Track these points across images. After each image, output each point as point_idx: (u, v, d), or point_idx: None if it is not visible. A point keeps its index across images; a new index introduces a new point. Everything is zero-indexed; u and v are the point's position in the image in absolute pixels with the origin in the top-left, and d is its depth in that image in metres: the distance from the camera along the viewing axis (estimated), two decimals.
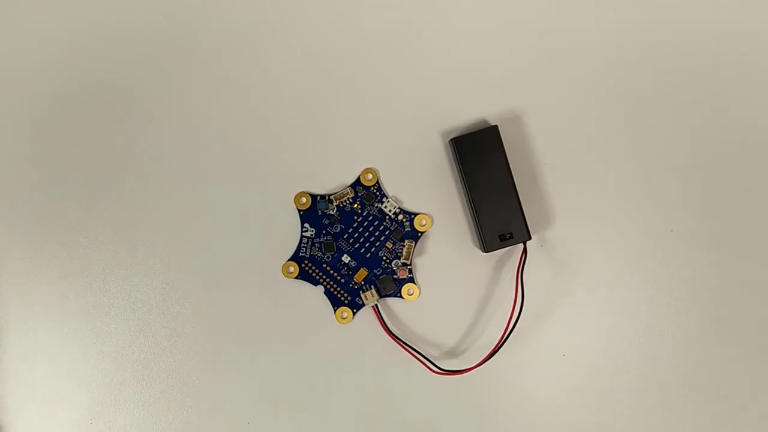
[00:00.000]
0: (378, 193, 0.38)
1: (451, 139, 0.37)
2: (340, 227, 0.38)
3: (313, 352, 0.39)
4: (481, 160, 0.37)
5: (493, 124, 0.38)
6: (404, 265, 0.38)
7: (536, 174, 0.39)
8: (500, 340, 0.37)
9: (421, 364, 0.37)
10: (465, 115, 0.39)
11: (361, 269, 0.38)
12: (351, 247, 0.38)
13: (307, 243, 0.38)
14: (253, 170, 0.39)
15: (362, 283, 0.38)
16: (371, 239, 0.38)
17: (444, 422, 0.39)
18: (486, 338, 0.39)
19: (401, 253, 0.38)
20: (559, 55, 0.40)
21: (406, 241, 0.38)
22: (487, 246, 0.37)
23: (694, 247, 0.39)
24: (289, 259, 0.38)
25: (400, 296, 0.38)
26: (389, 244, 0.38)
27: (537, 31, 0.40)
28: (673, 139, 0.40)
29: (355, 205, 0.38)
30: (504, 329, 0.37)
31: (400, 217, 0.38)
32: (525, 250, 0.37)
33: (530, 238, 0.37)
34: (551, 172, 0.39)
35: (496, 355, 0.37)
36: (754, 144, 0.39)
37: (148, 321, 0.39)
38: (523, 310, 0.37)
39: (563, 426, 0.40)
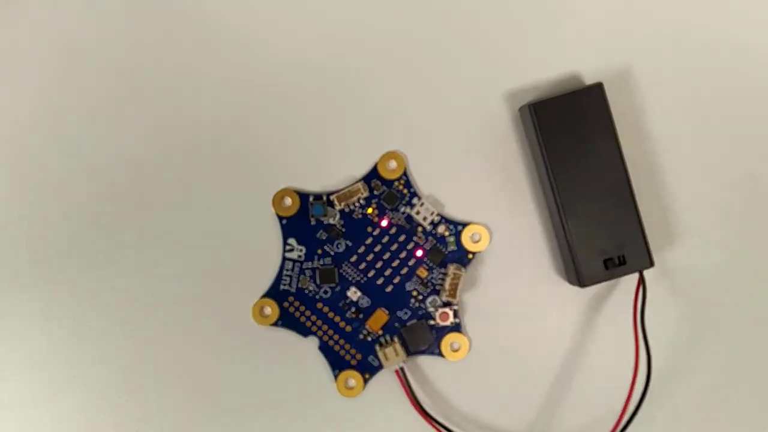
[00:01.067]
0: (406, 192, 0.29)
1: (528, 106, 0.27)
2: (346, 245, 0.29)
3: None
4: (576, 139, 0.27)
5: (592, 83, 0.28)
6: (447, 304, 0.29)
7: (654, 165, 0.29)
8: (617, 426, 0.27)
9: None
10: (543, 70, 0.29)
11: (379, 311, 0.29)
12: (362, 276, 0.30)
13: (292, 269, 0.30)
14: (210, 156, 0.30)
15: (380, 333, 0.30)
16: (394, 264, 0.29)
17: None
18: (576, 422, 0.29)
19: (442, 285, 0.29)
20: None
21: (450, 266, 0.29)
22: (584, 277, 0.27)
23: None
24: (264, 296, 0.30)
25: (440, 354, 0.30)
26: (423, 272, 0.29)
27: None
28: None
29: (370, 210, 0.29)
30: (620, 412, 0.27)
31: (441, 229, 0.29)
32: (643, 283, 0.27)
33: (652, 265, 0.27)
34: (678, 162, 0.29)
35: None
36: None
37: (51, 389, 0.30)
38: (651, 379, 0.27)
39: None
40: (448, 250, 0.29)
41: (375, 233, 0.29)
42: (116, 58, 0.29)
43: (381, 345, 0.29)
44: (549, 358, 0.29)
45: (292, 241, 0.29)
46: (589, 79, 0.29)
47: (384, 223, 0.29)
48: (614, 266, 0.27)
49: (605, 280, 0.27)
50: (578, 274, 0.27)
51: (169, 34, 0.29)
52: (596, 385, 0.29)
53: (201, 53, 0.29)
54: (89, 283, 0.29)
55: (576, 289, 0.28)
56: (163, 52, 0.29)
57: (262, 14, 0.29)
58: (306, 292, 0.29)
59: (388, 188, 0.29)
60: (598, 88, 0.27)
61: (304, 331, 0.29)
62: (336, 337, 0.29)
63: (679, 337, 0.29)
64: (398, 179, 0.29)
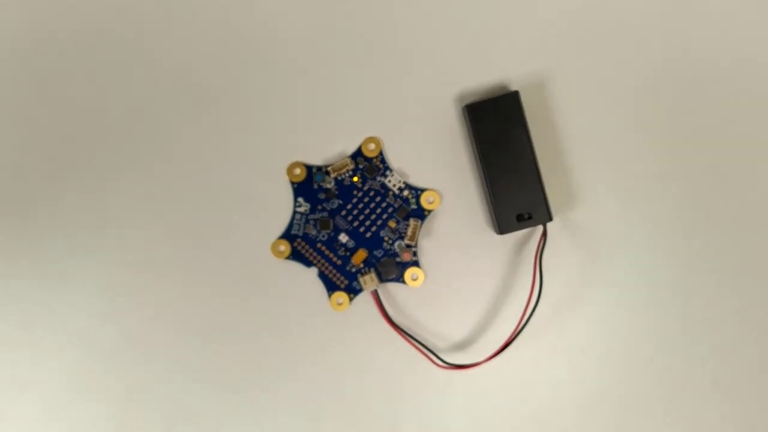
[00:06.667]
0: (381, 166, 0.34)
1: (464, 107, 0.34)
2: (338, 203, 0.34)
3: (304, 341, 0.35)
4: (499, 130, 0.33)
5: (513, 89, 0.34)
6: (408, 246, 0.34)
7: (560, 147, 0.35)
8: (513, 333, 0.34)
9: (424, 356, 0.34)
10: (482, 79, 0.34)
11: (360, 250, 0.35)
12: (349, 225, 0.35)
13: (300, 219, 0.34)
14: (241, 137, 0.35)
15: (361, 265, 0.35)
16: (372, 217, 0.35)
17: (449, 421, 0.36)
18: (499, 330, 0.35)
19: (405, 233, 0.35)
20: (591, 12, 0.35)
21: (411, 220, 0.34)
22: (502, 227, 0.34)
23: (734, 231, 0.35)
24: (280, 237, 0.35)
25: (403, 282, 0.35)
26: (392, 223, 0.34)
27: None
28: (715, 114, 0.35)
29: (355, 179, 0.34)
30: (518, 320, 0.33)
31: (406, 193, 0.35)
32: (545, 233, 0.34)
33: (551, 219, 0.33)
34: (577, 145, 0.35)
35: (508, 349, 0.33)
36: None
37: (114, 306, 0.35)
38: (540, 300, 0.33)
39: (582, 431, 0.36)
40: (411, 208, 0.34)
41: (359, 195, 0.34)
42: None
43: (362, 274, 0.34)
44: (479, 286, 0.35)
45: (300, 199, 0.34)
46: (514, 86, 0.34)
47: (365, 187, 0.34)
48: (524, 220, 0.33)
49: (517, 229, 0.33)
50: (499, 226, 0.33)
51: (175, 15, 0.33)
52: (509, 306, 0.34)
53: (237, 41, 0.33)
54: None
55: (501, 237, 0.34)
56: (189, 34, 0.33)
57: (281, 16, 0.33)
58: (310, 235, 0.34)
59: (368, 163, 0.34)
60: (515, 95, 0.33)
61: (308, 263, 0.34)
62: (330, 267, 0.34)
63: (572, 273, 0.35)
64: (376, 157, 0.34)
